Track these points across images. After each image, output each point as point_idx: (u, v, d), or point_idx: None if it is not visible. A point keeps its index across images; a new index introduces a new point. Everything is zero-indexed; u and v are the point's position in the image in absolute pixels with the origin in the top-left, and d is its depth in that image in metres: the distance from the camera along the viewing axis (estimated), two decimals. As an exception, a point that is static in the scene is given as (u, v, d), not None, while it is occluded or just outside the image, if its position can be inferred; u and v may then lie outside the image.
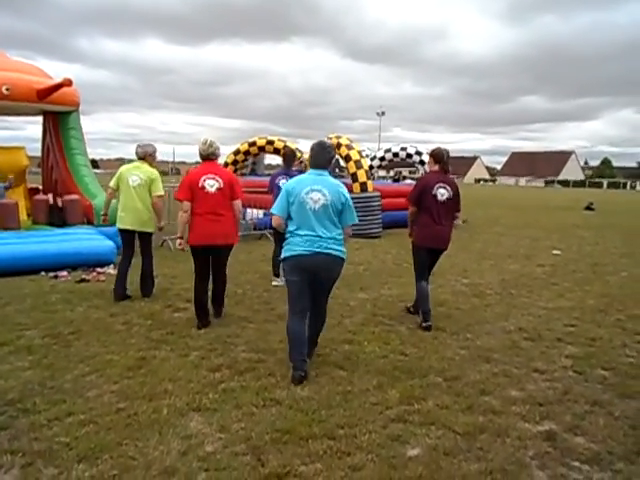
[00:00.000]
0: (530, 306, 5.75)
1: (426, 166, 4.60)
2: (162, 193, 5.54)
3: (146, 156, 5.62)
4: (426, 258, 5.03)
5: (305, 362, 3.62)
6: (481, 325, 4.97)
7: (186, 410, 3.10)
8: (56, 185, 8.94)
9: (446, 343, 4.44)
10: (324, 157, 3.72)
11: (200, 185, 4.56)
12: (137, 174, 5.47)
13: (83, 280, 6.41)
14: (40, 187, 9.72)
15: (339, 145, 11.88)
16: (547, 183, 73.40)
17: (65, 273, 6.67)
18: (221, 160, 14.73)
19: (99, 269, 6.92)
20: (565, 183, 70.94)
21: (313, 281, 3.66)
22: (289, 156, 6.80)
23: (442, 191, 4.85)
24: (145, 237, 5.62)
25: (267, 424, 2.94)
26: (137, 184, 5.44)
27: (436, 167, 4.97)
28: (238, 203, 4.74)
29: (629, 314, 5.46)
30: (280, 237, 6.56)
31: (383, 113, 57.14)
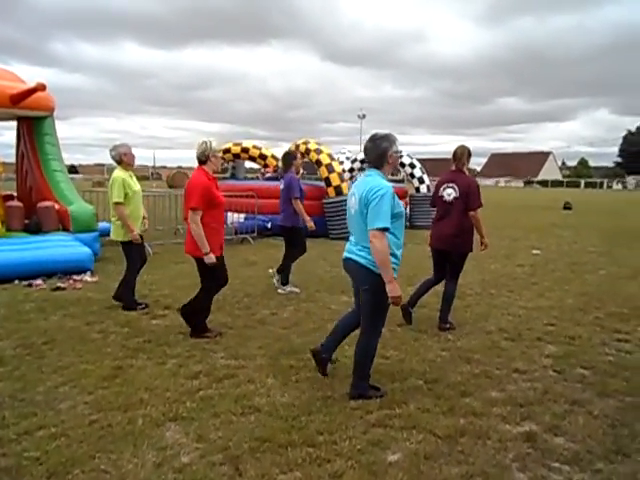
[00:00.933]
0: (510, 306, 5.78)
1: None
2: (115, 200, 5.18)
3: (122, 158, 5.36)
4: (436, 258, 5.05)
5: (330, 344, 3.70)
6: (462, 326, 4.98)
7: (162, 420, 3.02)
8: (31, 192, 8.74)
9: (427, 345, 4.43)
10: (374, 152, 3.26)
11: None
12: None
13: (58, 288, 6.26)
14: (14, 194, 9.49)
15: (308, 151, 11.63)
16: (526, 183, 74.46)
17: (40, 281, 6.50)
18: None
19: (75, 276, 6.77)
20: (544, 183, 72.03)
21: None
22: (285, 159, 6.55)
23: (449, 191, 4.81)
24: (122, 247, 5.45)
25: (246, 432, 2.89)
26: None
27: (452, 166, 4.94)
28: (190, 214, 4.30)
29: (607, 312, 5.52)
30: (291, 241, 6.41)
31: (364, 116, 57.40)
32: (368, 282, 3.23)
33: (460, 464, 2.62)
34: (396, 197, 3.23)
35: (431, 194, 10.08)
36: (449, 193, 4.81)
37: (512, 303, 5.91)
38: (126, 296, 5.45)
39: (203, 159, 4.37)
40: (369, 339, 3.38)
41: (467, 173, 4.97)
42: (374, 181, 3.18)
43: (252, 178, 15.91)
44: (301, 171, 6.43)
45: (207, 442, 2.79)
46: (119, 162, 5.38)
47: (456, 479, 2.50)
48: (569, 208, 22.23)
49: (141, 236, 5.48)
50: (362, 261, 3.23)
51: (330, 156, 11.65)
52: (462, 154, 4.87)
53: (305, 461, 2.61)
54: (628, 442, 2.84)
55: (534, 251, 9.86)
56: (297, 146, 12.09)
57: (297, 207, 6.16)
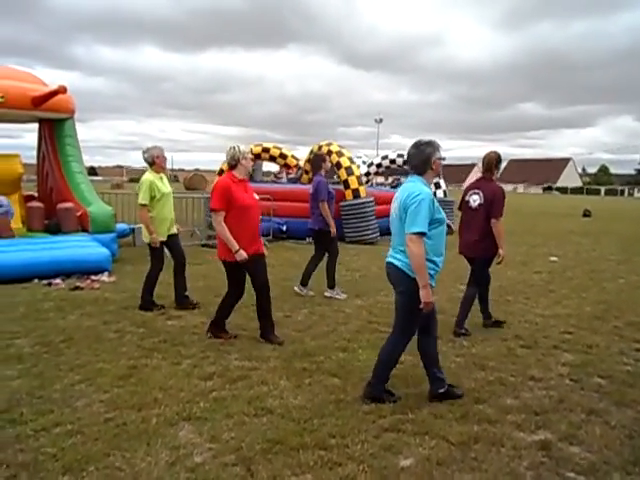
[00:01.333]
0: (527, 313, 5.71)
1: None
2: (141, 202, 5.30)
3: (154, 160, 5.44)
4: (470, 263, 5.06)
5: (430, 379, 3.47)
6: (477, 333, 4.93)
7: (176, 420, 3.05)
8: (51, 193, 8.91)
9: (442, 351, 4.36)
10: (418, 157, 3.26)
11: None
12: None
13: (77, 288, 6.36)
14: (35, 194, 9.68)
15: (330, 152, 11.81)
16: (545, 190, 73.58)
17: (59, 281, 6.62)
18: (217, 167, 14.74)
19: (93, 277, 6.87)
20: (563, 190, 71.13)
21: None
22: (314, 162, 6.61)
23: (474, 197, 4.86)
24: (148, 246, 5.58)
25: (258, 434, 2.90)
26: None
27: (485, 174, 4.94)
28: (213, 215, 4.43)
29: (626, 321, 5.42)
30: (321, 244, 6.45)
31: (381, 120, 57.38)
32: (403, 285, 3.24)
33: (473, 471, 2.59)
34: (436, 203, 3.23)
35: (447, 199, 10.06)
36: (475, 199, 4.85)
37: (529, 310, 5.84)
38: (143, 296, 5.51)
39: (233, 163, 4.44)
40: (398, 341, 3.39)
41: (494, 180, 4.95)
42: (414, 187, 3.19)
43: (266, 181, 16.00)
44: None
45: (220, 442, 2.81)
46: (151, 164, 5.46)
47: (469, 486, 2.47)
48: (588, 215, 21.90)
49: (175, 235, 5.60)
50: (398, 264, 3.25)
51: (350, 159, 11.76)
52: (489, 161, 4.87)
53: (317, 464, 2.61)
54: (646, 453, 2.78)
55: (552, 258, 9.73)
56: (319, 147, 12.19)
57: (323, 210, 6.18)
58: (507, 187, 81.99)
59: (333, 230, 6.29)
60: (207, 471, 2.54)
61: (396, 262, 3.27)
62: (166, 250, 5.61)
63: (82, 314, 5.24)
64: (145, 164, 5.54)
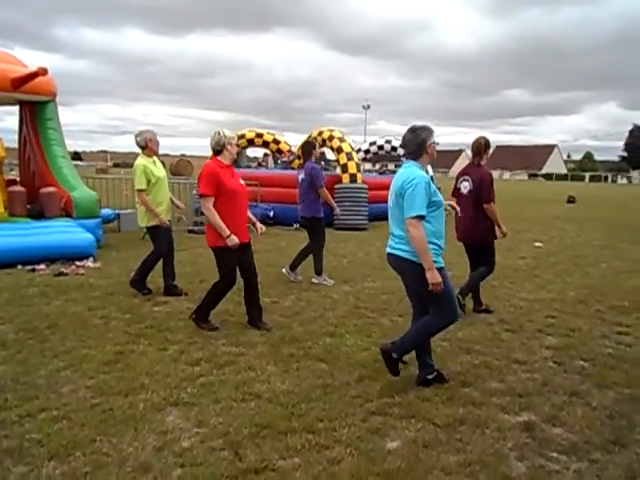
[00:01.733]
0: (511, 297, 5.78)
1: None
2: (137, 187, 5.26)
3: (147, 143, 5.35)
4: (466, 250, 5.18)
5: (420, 363, 3.47)
6: (463, 317, 4.97)
7: (163, 405, 3.05)
8: (34, 177, 8.74)
9: (428, 335, 4.42)
10: (414, 142, 3.25)
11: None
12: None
13: (61, 274, 6.29)
14: (17, 179, 9.49)
15: (331, 137, 12.31)
16: (531, 176, 74.14)
17: (43, 266, 6.53)
18: (204, 152, 14.63)
19: (78, 262, 6.79)
20: (548, 176, 71.70)
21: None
22: (306, 149, 6.56)
23: (465, 184, 4.92)
24: (149, 232, 5.63)
25: (246, 418, 2.90)
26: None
27: (475, 159, 4.99)
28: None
29: (608, 305, 5.51)
30: (313, 231, 6.38)
31: (369, 106, 57.07)
32: (414, 273, 3.20)
33: (459, 452, 2.64)
34: (433, 186, 3.22)
35: (435, 185, 10.00)
36: (465, 186, 4.92)
37: (513, 295, 5.91)
38: (137, 275, 5.50)
39: (219, 149, 4.33)
40: (440, 321, 3.32)
41: (483, 165, 4.99)
42: (409, 172, 3.19)
43: (251, 167, 15.92)
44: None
45: (207, 427, 2.81)
46: (143, 148, 5.37)
47: (454, 467, 2.51)
48: (573, 201, 22.15)
49: (169, 222, 5.54)
50: (402, 254, 3.23)
51: (351, 146, 12.21)
52: (479, 147, 4.91)
53: (304, 447, 2.63)
54: (626, 433, 2.84)
55: (536, 243, 9.84)
56: (320, 133, 12.34)
57: (325, 195, 6.27)
58: (494, 173, 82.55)
59: (337, 210, 6.79)
60: (195, 455, 2.55)
61: (400, 253, 3.24)
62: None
63: (67, 300, 5.18)
64: (137, 148, 5.44)
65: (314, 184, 6.14)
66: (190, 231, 10.06)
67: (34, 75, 7.57)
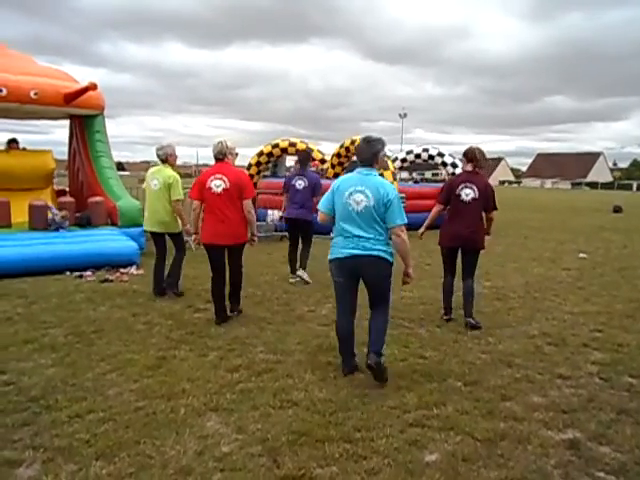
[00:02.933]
0: (555, 310, 5.61)
1: (462, 165, 4.88)
2: (180, 197, 5.61)
3: (167, 157, 5.70)
4: (448, 256, 5.11)
5: (352, 357, 3.77)
6: (503, 329, 4.88)
7: (203, 410, 3.11)
8: (82, 187, 9.13)
9: (467, 347, 4.36)
10: (369, 151, 3.53)
11: (207, 186, 4.73)
12: (157, 178, 5.62)
13: (106, 280, 6.52)
14: (67, 189, 9.94)
15: None
16: (574, 185, 71.83)
17: (89, 273, 6.80)
18: (244, 162, 14.95)
19: (122, 269, 7.03)
20: (593, 185, 69.30)
21: (364, 281, 3.67)
22: (304, 157, 7.12)
23: (467, 191, 4.85)
24: (173, 237, 5.88)
25: (284, 426, 2.93)
26: (157, 188, 5.60)
27: (468, 166, 4.97)
28: (247, 203, 4.80)
29: (659, 320, 5.27)
30: (294, 236, 6.93)
31: (405, 115, 56.86)
32: (387, 271, 3.58)
33: (499, 468, 2.58)
34: None
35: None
36: (467, 193, 4.85)
37: (557, 307, 5.74)
38: (173, 277, 5.89)
39: (220, 157, 4.80)
40: (387, 311, 3.77)
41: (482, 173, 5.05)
42: (385, 181, 3.53)
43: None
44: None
45: (246, 433, 2.86)
46: (164, 161, 5.69)
47: (495, 483, 2.46)
48: (619, 211, 21.31)
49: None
50: (382, 254, 3.51)
51: (386, 155, 11.94)
52: (479, 157, 4.93)
53: (342, 456, 2.64)
54: (679, 455, 2.71)
55: (581, 255, 9.52)
56: (353, 142, 12.34)
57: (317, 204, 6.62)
58: (534, 182, 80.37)
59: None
60: (234, 461, 2.59)
61: (381, 254, 3.50)
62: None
63: (112, 306, 5.37)
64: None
65: (315, 193, 6.62)
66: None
67: (85, 90, 7.95)
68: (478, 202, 4.83)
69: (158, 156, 5.70)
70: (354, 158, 13.71)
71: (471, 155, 4.92)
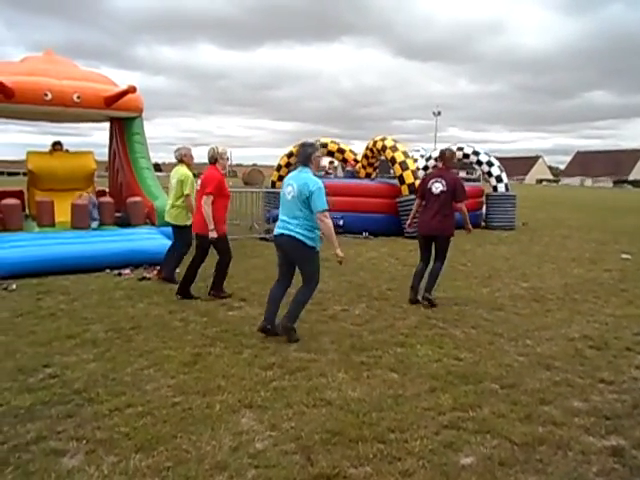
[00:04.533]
0: (596, 312, 5.43)
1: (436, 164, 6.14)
2: (188, 192, 6.09)
3: (182, 158, 6.27)
4: (422, 244, 5.86)
5: (272, 317, 4.42)
6: (542, 331, 4.75)
7: (238, 407, 3.16)
8: (121, 188, 9.40)
9: (503, 349, 4.27)
10: (305, 153, 4.30)
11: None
12: (173, 176, 6.26)
13: (144, 278, 6.69)
14: (107, 190, 10.25)
15: (384, 148, 11.86)
16: (616, 183, 69.24)
17: (128, 271, 6.99)
18: (274, 162, 15.00)
19: (159, 267, 7.19)
20: (636, 183, 66.61)
21: (288, 257, 4.38)
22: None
23: (437, 185, 5.64)
24: (176, 230, 6.37)
25: (317, 424, 2.94)
26: (172, 185, 6.25)
27: (440, 165, 6.00)
28: (204, 198, 5.39)
29: None
30: None
31: (439, 113, 56.07)
32: (305, 252, 4.25)
33: (538, 473, 2.52)
34: None
35: (509, 194, 11.09)
36: (437, 187, 5.63)
37: (598, 310, 5.55)
38: (167, 267, 6.42)
39: (213, 161, 5.47)
40: (311, 288, 4.41)
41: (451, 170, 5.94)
42: (309, 176, 4.22)
43: (319, 176, 16.15)
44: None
45: (280, 431, 2.88)
46: (180, 160, 6.30)
47: (533, 488, 2.40)
48: (665, 210, 20.41)
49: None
50: (300, 237, 4.19)
51: (405, 153, 11.64)
52: (449, 157, 5.91)
53: (376, 457, 2.63)
54: None
55: (623, 255, 9.17)
56: (375, 142, 12.21)
57: None
58: (574, 180, 77.87)
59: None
60: (268, 457, 2.62)
61: (298, 236, 4.19)
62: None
63: (149, 303, 5.51)
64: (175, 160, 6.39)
65: None
66: (262, 239, 10.35)
67: (124, 93, 8.18)
68: (446, 194, 5.57)
69: (175, 157, 6.35)
70: (383, 157, 13.59)
71: (443, 156, 5.95)
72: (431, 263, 5.78)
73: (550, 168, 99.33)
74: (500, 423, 2.99)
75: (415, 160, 14.81)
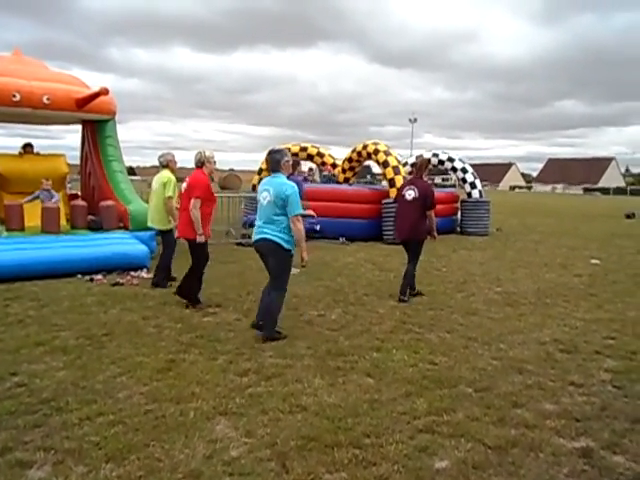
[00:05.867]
0: (566, 317, 5.55)
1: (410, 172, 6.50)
2: (170, 194, 6.20)
3: (168, 163, 6.47)
4: (403, 246, 6.26)
5: (260, 317, 4.60)
6: (514, 335, 4.83)
7: (212, 414, 3.11)
8: (94, 191, 9.22)
9: (477, 353, 4.33)
10: (274, 160, 4.46)
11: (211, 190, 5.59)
12: (156, 180, 6.41)
13: (117, 283, 6.56)
14: (79, 193, 10.04)
15: (377, 151, 12.12)
16: (586, 190, 71.13)
17: (100, 276, 6.84)
18: (251, 167, 15.04)
19: (133, 273, 7.07)
20: (605, 191, 68.55)
21: (265, 260, 4.54)
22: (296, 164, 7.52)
23: (410, 192, 5.98)
24: (162, 233, 6.52)
25: (293, 430, 2.92)
26: (154, 189, 6.42)
27: (413, 173, 6.32)
28: (192, 202, 5.34)
29: (673, 327, 5.19)
30: None
31: (415, 120, 56.78)
32: (280, 255, 4.39)
33: (511, 476, 2.55)
34: None
35: (483, 200, 11.42)
36: (410, 194, 5.97)
37: (568, 314, 5.68)
38: (160, 273, 6.48)
39: (200, 165, 5.47)
40: (280, 293, 4.54)
41: (425, 180, 6.23)
42: (284, 181, 4.36)
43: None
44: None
45: (255, 438, 2.85)
46: (165, 166, 6.47)
47: (506, 491, 2.43)
48: (632, 217, 21.07)
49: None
50: (277, 240, 4.32)
51: (397, 159, 11.96)
52: (421, 164, 6.28)
53: (351, 462, 2.62)
54: (695, 465, 2.66)
55: (593, 261, 9.42)
56: (365, 146, 12.41)
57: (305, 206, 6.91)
58: (545, 188, 79.73)
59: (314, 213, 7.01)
60: (243, 465, 2.59)
61: (276, 239, 4.33)
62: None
63: (122, 309, 5.40)
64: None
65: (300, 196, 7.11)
66: (238, 244, 10.28)
67: (97, 95, 8.03)
68: (418, 201, 5.89)
69: (160, 162, 6.50)
70: (366, 162, 13.67)
71: (416, 165, 6.38)
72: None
73: (523, 175, 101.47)
74: (474, 426, 3.02)
75: (404, 164, 14.99)
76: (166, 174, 6.32)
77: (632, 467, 2.65)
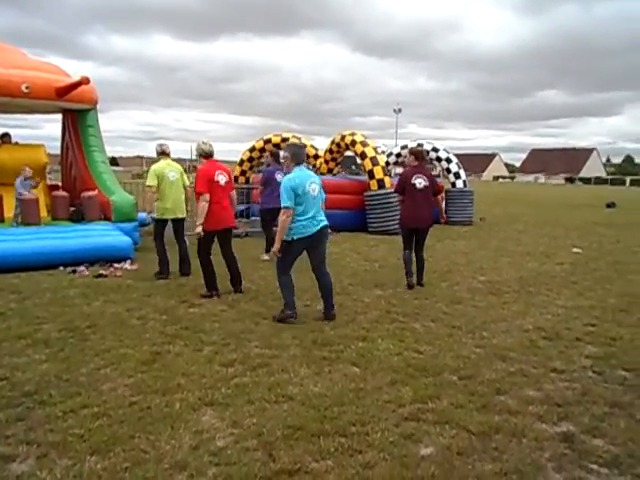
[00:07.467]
0: (549, 304, 5.64)
1: (407, 160, 6.34)
2: (188, 183, 6.72)
3: (170, 152, 6.72)
4: (408, 236, 6.25)
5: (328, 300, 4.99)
6: (498, 323, 4.89)
7: (198, 405, 3.11)
8: (75, 182, 9.06)
9: (461, 341, 4.38)
10: (304, 154, 4.89)
11: (216, 179, 5.50)
12: (173, 170, 6.52)
13: (100, 275, 6.49)
14: (60, 184, 9.86)
15: (354, 142, 11.90)
16: (567, 180, 72.09)
17: (83, 268, 6.75)
18: (234, 157, 14.90)
19: (116, 264, 6.99)
20: (587, 180, 69.58)
21: (314, 248, 4.81)
22: (278, 155, 7.76)
23: (420, 180, 6.08)
24: (181, 223, 6.69)
25: (279, 420, 2.93)
26: (175, 179, 6.51)
27: (416, 163, 6.28)
28: (234, 193, 5.90)
29: (652, 314, 5.31)
30: (266, 222, 7.95)
31: (400, 110, 56.76)
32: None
33: (494, 461, 2.59)
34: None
35: (467, 190, 11.63)
36: (420, 182, 6.08)
37: (550, 302, 5.77)
38: (185, 262, 6.64)
39: (200, 156, 5.74)
40: (278, 278, 4.91)
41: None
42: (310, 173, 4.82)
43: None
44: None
45: (241, 428, 2.85)
46: (168, 155, 6.67)
47: (490, 476, 2.47)
48: (613, 206, 21.44)
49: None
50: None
51: (375, 149, 11.75)
52: (421, 154, 6.43)
53: (337, 450, 2.64)
54: (672, 447, 2.74)
55: (574, 249, 9.57)
56: (343, 137, 12.23)
57: None
58: (528, 177, 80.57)
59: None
60: (229, 455, 2.59)
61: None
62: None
63: (106, 301, 5.34)
64: (174, 154, 6.89)
65: None
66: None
67: (77, 84, 7.87)
68: (429, 188, 6.09)
69: (163, 151, 6.60)
70: (347, 153, 13.60)
71: (418, 154, 6.34)
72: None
73: (506, 165, 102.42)
74: (458, 413, 3.06)
75: (389, 155, 14.94)
76: (175, 164, 6.67)
77: (611, 450, 2.71)
